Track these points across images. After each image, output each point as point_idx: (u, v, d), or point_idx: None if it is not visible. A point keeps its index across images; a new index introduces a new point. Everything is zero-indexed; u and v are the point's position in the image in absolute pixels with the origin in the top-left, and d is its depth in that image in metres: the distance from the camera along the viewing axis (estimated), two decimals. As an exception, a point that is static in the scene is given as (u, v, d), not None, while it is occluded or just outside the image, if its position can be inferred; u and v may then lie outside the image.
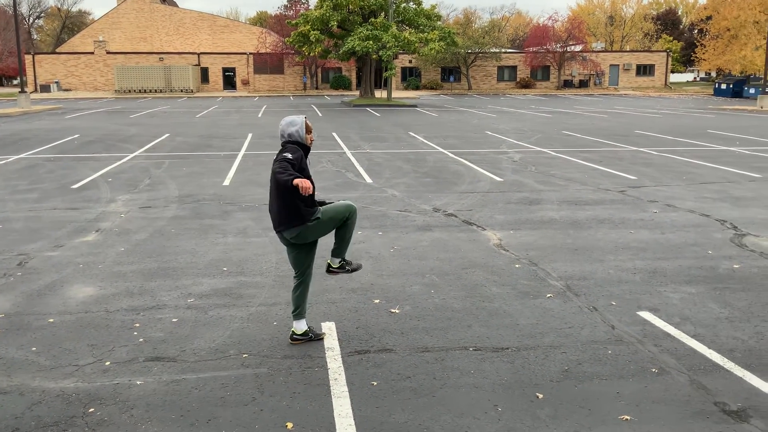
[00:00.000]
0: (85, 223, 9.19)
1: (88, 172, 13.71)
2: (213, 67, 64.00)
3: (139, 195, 11.24)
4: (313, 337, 5.18)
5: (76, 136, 21.48)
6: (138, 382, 4.46)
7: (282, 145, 4.98)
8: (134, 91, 57.57)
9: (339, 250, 5.23)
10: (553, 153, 16.83)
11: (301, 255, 5.11)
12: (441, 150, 17.48)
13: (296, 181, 4.52)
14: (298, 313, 5.14)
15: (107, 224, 9.10)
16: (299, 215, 4.87)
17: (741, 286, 6.49)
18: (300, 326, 5.13)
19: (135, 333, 5.30)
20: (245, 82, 63.99)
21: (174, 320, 5.57)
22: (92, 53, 62.61)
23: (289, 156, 4.75)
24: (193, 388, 4.39)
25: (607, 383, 4.47)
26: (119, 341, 5.14)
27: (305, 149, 5.00)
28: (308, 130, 5.03)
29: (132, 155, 16.52)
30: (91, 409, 4.11)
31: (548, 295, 6.21)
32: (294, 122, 4.97)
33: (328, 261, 5.28)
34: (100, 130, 23.65)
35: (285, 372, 4.63)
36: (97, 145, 18.88)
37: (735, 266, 7.13)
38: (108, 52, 62.66)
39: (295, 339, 5.14)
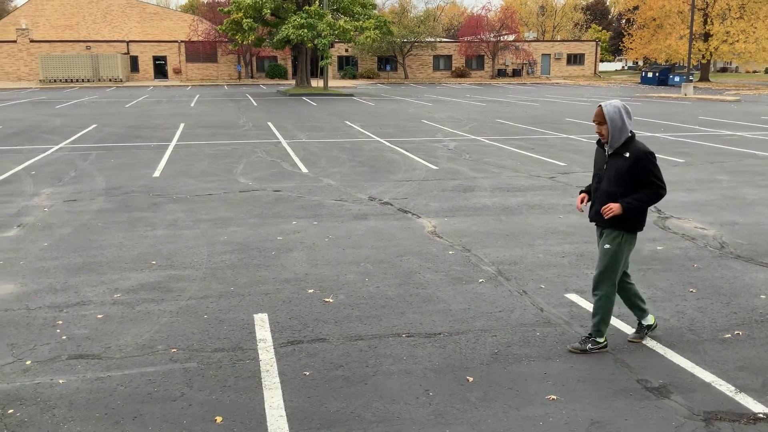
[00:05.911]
0: (6, 218, 8.81)
1: (9, 165, 13.14)
2: (143, 56, 62.13)
3: (64, 188, 10.84)
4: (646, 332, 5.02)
5: (-3, 127, 20.57)
6: (60, 381, 4.31)
7: (624, 142, 4.57)
8: (60, 80, 55.44)
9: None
10: (487, 141, 17.06)
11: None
12: (377, 139, 17.48)
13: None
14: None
15: (30, 219, 8.75)
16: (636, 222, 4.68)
17: (663, 266, 6.73)
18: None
19: (58, 330, 5.11)
20: (177, 71, 62.40)
21: (99, 316, 5.40)
22: (15, 41, 59.84)
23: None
24: (119, 385, 4.27)
25: (536, 364, 4.57)
26: (41, 339, 4.95)
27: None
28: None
29: (57, 147, 15.91)
30: (11, 410, 3.95)
31: (480, 280, 6.30)
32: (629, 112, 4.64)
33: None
34: (23, 121, 22.68)
35: (215, 366, 4.55)
36: (21, 136, 18.12)
37: (658, 248, 7.39)
38: (32, 41, 60.02)
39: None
